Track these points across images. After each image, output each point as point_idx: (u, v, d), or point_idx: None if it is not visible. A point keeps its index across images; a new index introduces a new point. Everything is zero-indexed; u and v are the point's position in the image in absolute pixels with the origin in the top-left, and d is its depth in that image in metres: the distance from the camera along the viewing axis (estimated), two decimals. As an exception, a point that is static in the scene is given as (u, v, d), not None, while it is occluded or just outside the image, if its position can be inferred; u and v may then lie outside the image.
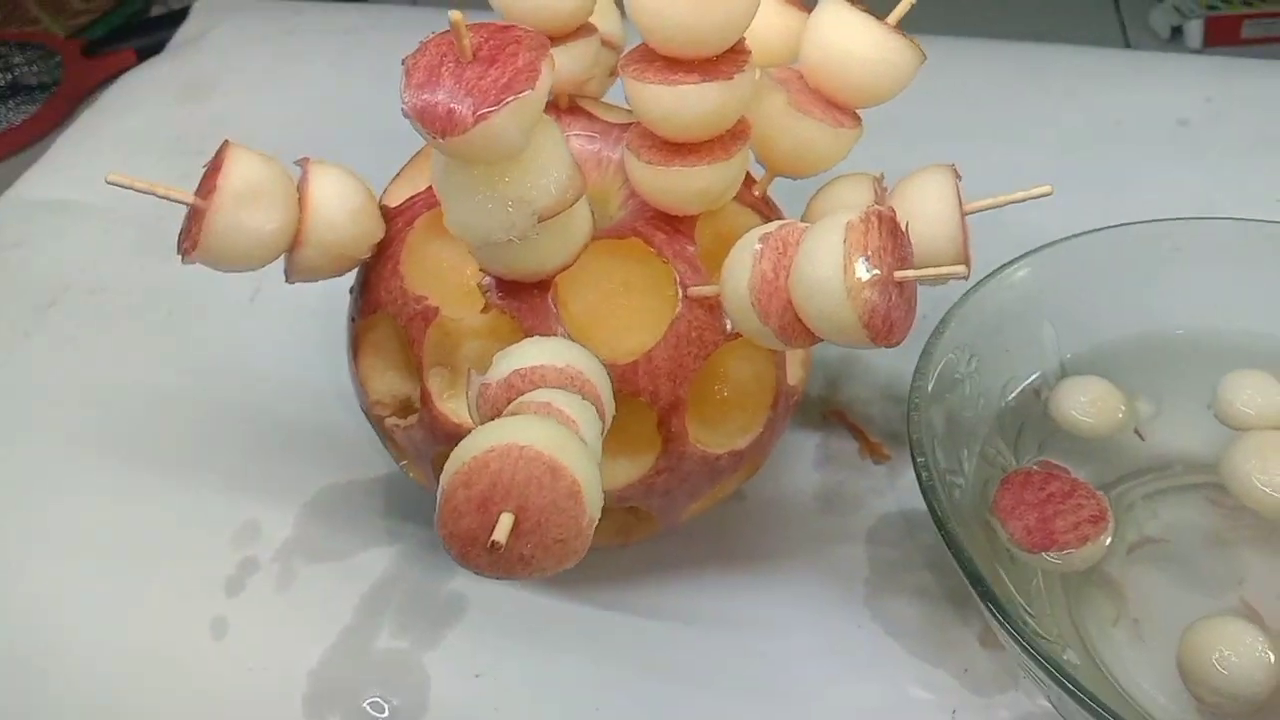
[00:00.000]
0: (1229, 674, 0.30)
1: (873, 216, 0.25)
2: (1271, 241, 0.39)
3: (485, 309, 0.31)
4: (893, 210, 0.26)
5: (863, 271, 0.25)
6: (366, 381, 0.34)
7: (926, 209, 0.31)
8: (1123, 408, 0.37)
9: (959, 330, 0.36)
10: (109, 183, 0.28)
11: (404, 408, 0.34)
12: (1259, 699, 0.30)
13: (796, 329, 0.27)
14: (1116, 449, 0.37)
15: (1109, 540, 0.34)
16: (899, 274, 0.25)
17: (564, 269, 0.30)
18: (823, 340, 0.26)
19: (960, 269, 0.26)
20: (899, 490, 0.40)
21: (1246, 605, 0.33)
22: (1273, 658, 0.31)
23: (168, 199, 0.29)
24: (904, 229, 0.26)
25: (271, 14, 0.67)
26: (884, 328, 0.25)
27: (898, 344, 0.26)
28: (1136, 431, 0.37)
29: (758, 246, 0.27)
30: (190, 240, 0.29)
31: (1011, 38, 0.62)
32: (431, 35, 0.25)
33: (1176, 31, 0.64)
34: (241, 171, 0.29)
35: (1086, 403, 0.37)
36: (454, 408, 0.31)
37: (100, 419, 0.43)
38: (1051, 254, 0.38)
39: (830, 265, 0.25)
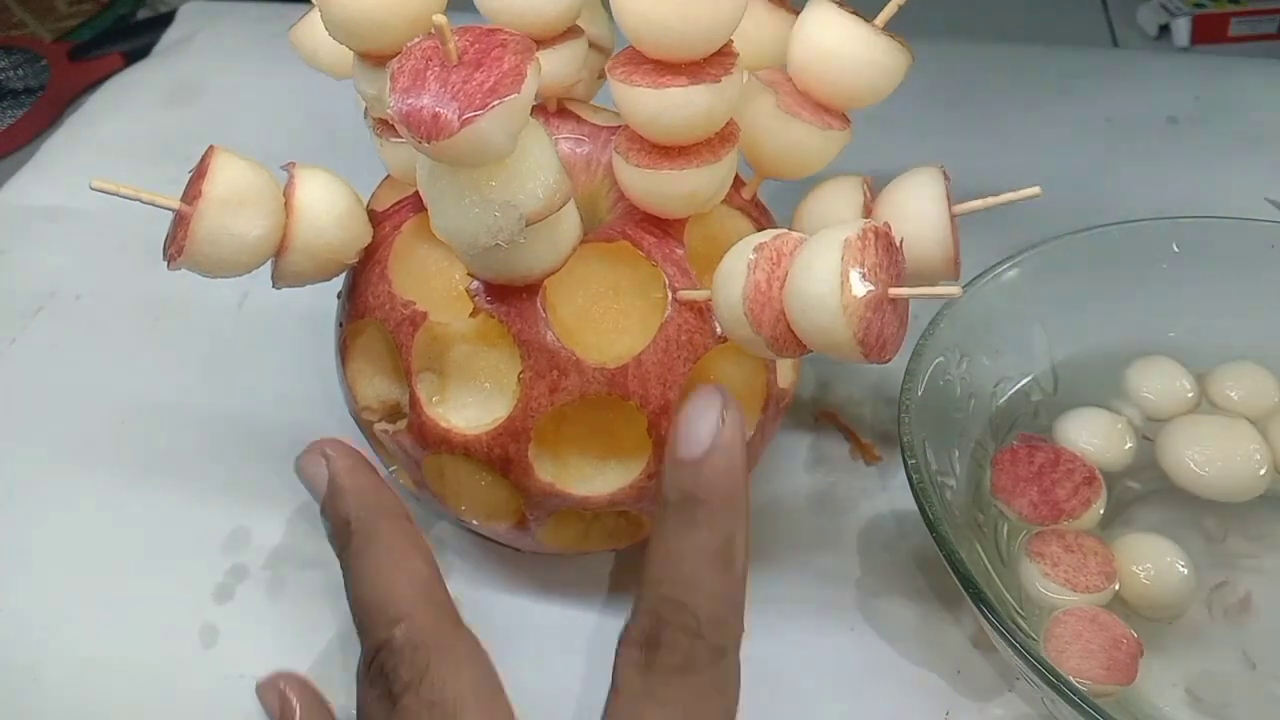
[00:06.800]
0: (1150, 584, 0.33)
1: (869, 233, 0.25)
2: (1260, 240, 0.39)
3: (474, 313, 0.30)
4: (888, 226, 0.26)
5: (859, 288, 0.25)
6: (355, 386, 0.34)
7: (916, 210, 0.31)
8: (1129, 439, 0.37)
9: (949, 331, 0.36)
10: (94, 189, 0.28)
11: (392, 413, 0.34)
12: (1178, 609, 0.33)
13: (788, 340, 0.26)
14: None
15: (1104, 502, 0.35)
16: (893, 291, 0.25)
17: (553, 273, 0.30)
18: (814, 351, 0.26)
19: (955, 290, 0.26)
20: (891, 491, 0.40)
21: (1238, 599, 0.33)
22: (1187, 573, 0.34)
23: (153, 205, 0.29)
24: (899, 245, 0.26)
25: (258, 17, 0.67)
26: (877, 344, 0.25)
27: (889, 360, 0.26)
28: (1145, 437, 0.38)
29: (751, 256, 0.27)
30: (176, 246, 0.29)
31: (999, 38, 0.62)
32: (417, 39, 0.25)
33: (1164, 30, 0.64)
34: (227, 177, 0.29)
35: (1092, 437, 0.37)
36: (442, 413, 0.31)
37: (87, 425, 0.43)
38: (1041, 254, 0.38)
39: (826, 281, 0.25)
